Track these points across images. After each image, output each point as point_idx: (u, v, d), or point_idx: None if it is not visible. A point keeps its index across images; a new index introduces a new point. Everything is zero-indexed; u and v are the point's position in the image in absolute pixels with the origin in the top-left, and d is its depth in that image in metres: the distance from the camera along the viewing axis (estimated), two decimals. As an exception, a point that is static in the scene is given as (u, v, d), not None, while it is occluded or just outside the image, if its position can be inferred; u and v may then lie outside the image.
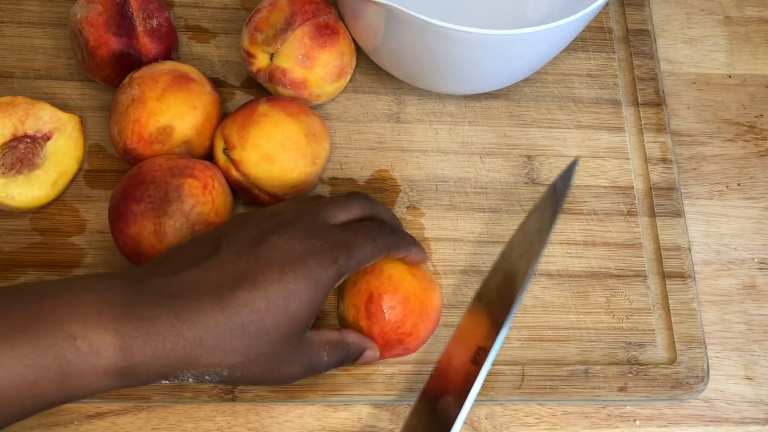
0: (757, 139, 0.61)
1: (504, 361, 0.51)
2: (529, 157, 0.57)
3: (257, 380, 0.41)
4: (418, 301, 0.47)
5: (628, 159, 0.58)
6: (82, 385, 0.36)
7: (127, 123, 0.49)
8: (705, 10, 0.65)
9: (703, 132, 0.61)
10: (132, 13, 0.51)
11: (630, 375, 0.51)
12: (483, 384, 0.49)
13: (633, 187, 0.57)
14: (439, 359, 0.45)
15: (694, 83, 0.62)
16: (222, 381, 0.40)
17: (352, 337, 0.45)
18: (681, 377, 0.51)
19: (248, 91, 0.57)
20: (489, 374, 0.50)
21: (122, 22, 0.51)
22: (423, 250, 0.47)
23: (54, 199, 0.51)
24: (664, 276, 0.54)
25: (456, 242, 0.54)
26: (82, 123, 0.52)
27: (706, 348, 0.52)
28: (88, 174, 0.53)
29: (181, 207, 0.46)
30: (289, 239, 0.40)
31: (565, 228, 0.55)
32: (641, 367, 0.51)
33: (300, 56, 0.52)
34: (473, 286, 0.53)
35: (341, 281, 0.41)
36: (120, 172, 0.53)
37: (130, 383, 0.37)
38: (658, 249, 0.55)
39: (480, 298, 0.46)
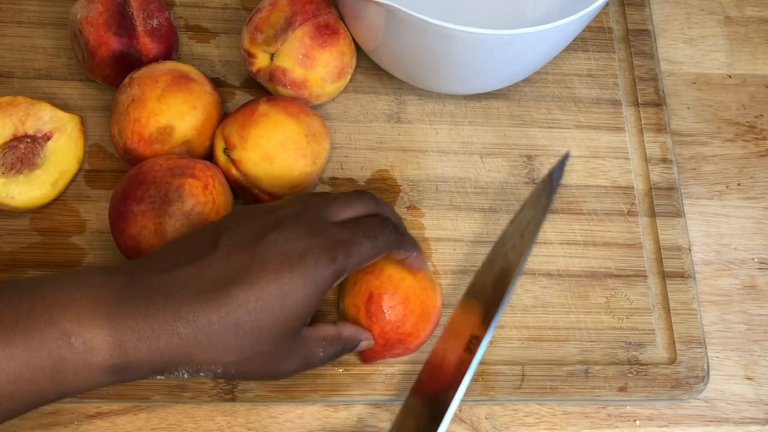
0: (757, 139, 0.61)
1: (504, 361, 0.51)
2: (529, 157, 0.57)
3: (252, 376, 0.41)
4: (418, 301, 0.47)
5: (628, 159, 0.58)
6: (77, 381, 0.36)
7: (128, 123, 0.49)
8: (705, 10, 0.65)
9: (703, 132, 0.61)
10: (132, 13, 0.51)
11: (630, 375, 0.51)
12: (483, 384, 0.49)
13: (633, 187, 0.57)
14: (430, 355, 0.45)
15: (694, 83, 0.62)
16: (217, 376, 0.40)
17: (348, 331, 0.45)
18: (681, 377, 0.51)
19: (248, 91, 0.57)
20: (489, 374, 0.50)
21: (122, 22, 0.51)
22: (423, 256, 0.47)
23: (54, 199, 0.51)
24: (664, 276, 0.54)
25: (456, 242, 0.54)
26: (83, 123, 0.52)
27: (706, 348, 0.52)
28: (88, 174, 0.53)
29: (181, 207, 0.46)
30: (289, 237, 0.40)
31: (565, 228, 0.55)
32: (641, 367, 0.51)
33: (300, 56, 0.52)
34: (473, 286, 0.53)
35: (340, 280, 0.41)
36: (120, 172, 0.53)
37: (125, 379, 0.37)
38: (658, 249, 0.55)
39: (471, 292, 0.46)
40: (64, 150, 0.51)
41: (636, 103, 0.60)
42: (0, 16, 0.57)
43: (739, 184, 0.59)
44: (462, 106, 0.58)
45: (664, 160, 0.58)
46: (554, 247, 0.55)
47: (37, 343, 0.35)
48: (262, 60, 0.53)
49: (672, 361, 0.52)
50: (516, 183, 0.56)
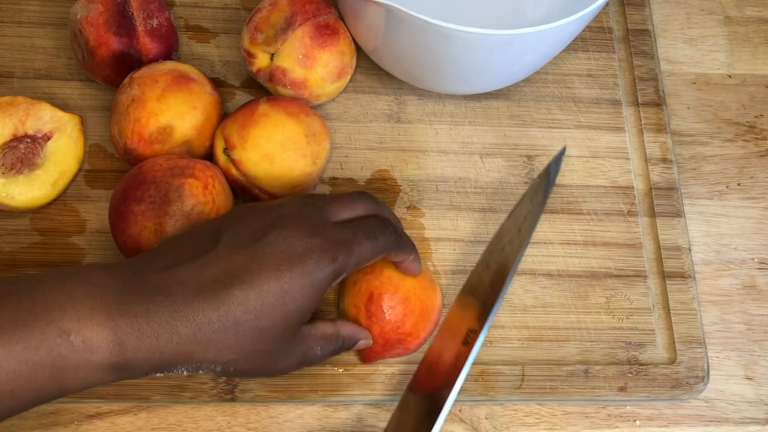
0: (757, 139, 0.61)
1: (504, 361, 0.51)
2: (529, 157, 0.57)
3: (251, 374, 0.41)
4: (418, 301, 0.47)
5: (628, 159, 0.58)
6: (77, 379, 0.36)
7: (128, 123, 0.49)
8: (705, 10, 0.65)
9: (703, 132, 0.61)
10: (132, 13, 0.51)
11: (630, 375, 0.51)
12: (483, 384, 0.49)
13: (633, 187, 0.57)
14: (427, 352, 0.46)
15: (694, 83, 0.62)
16: (216, 374, 0.40)
17: (346, 330, 0.45)
18: (681, 377, 0.51)
19: (248, 91, 0.57)
20: (489, 374, 0.50)
21: (122, 22, 0.51)
22: (420, 260, 0.47)
23: (54, 199, 0.51)
24: (664, 276, 0.54)
25: (456, 242, 0.54)
26: (83, 123, 0.52)
27: (706, 348, 0.52)
28: (88, 174, 0.53)
29: (181, 207, 0.46)
30: (289, 235, 0.39)
31: (565, 228, 0.55)
32: (641, 367, 0.51)
33: (300, 56, 0.52)
34: (473, 286, 0.53)
35: (340, 279, 0.41)
36: (120, 172, 0.53)
37: (125, 377, 0.37)
38: (658, 249, 0.55)
39: (468, 289, 0.47)
40: (64, 150, 0.51)
41: (636, 103, 0.60)
42: (0, 16, 0.57)
43: (739, 184, 0.59)
44: (462, 106, 0.58)
45: (664, 160, 0.58)
46: (554, 247, 0.55)
47: (36, 341, 0.35)
48: (262, 60, 0.53)
49: (672, 361, 0.52)
50: (516, 183, 0.56)
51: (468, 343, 0.44)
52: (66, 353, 0.35)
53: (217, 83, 0.56)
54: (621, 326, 0.53)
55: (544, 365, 0.51)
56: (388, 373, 0.50)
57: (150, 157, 0.49)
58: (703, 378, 0.51)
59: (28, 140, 0.50)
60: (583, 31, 0.60)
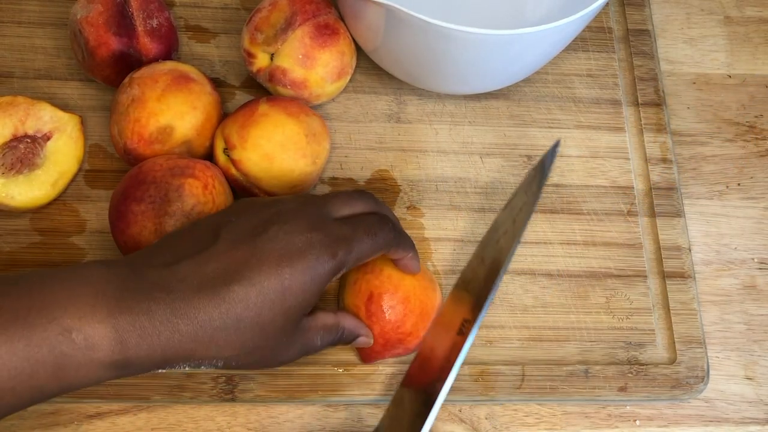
0: (757, 139, 0.61)
1: (504, 361, 0.51)
2: (529, 157, 0.57)
3: (252, 367, 0.42)
4: (418, 300, 0.47)
5: (628, 159, 0.58)
6: (79, 376, 0.36)
7: (128, 123, 0.49)
8: (705, 10, 0.65)
9: (703, 132, 0.61)
10: (132, 13, 0.51)
11: (630, 375, 0.51)
12: (483, 384, 0.49)
13: (633, 187, 0.57)
14: (420, 347, 0.46)
15: (694, 83, 0.62)
16: (217, 368, 0.40)
17: (348, 322, 0.45)
18: (681, 377, 0.51)
19: (248, 91, 0.57)
20: (489, 374, 0.50)
21: (122, 22, 0.51)
22: (418, 258, 0.47)
23: (54, 199, 0.51)
24: (664, 276, 0.54)
25: (456, 242, 0.54)
26: (83, 123, 0.52)
27: (706, 348, 0.52)
28: (88, 174, 0.53)
29: (181, 207, 0.46)
30: (289, 231, 0.39)
31: (565, 228, 0.55)
32: (641, 367, 0.51)
33: (300, 56, 0.52)
34: (473, 286, 0.53)
35: (339, 275, 0.41)
36: (120, 172, 0.53)
37: (126, 374, 0.37)
38: (658, 249, 0.55)
39: (462, 283, 0.47)
40: (64, 150, 0.51)
41: (636, 103, 0.60)
42: (0, 16, 0.57)
43: (739, 184, 0.59)
44: (462, 106, 0.58)
45: (664, 160, 0.58)
46: (554, 247, 0.55)
47: (38, 339, 0.35)
48: (262, 60, 0.53)
49: (672, 361, 0.52)
50: (516, 183, 0.56)
51: (463, 333, 0.44)
52: (68, 351, 0.35)
53: (217, 83, 0.56)
54: (621, 326, 0.53)
55: (544, 365, 0.51)
56: (388, 373, 0.50)
57: (150, 157, 0.49)
58: (703, 378, 0.51)
59: (28, 140, 0.50)
60: (583, 31, 0.60)
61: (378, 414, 0.49)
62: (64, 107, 0.52)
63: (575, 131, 0.59)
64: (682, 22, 0.65)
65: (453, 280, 0.53)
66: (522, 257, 0.54)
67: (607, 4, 0.63)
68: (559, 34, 0.48)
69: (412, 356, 0.50)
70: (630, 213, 0.56)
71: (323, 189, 0.55)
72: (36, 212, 0.51)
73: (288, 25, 0.52)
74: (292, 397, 0.48)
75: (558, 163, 0.57)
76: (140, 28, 0.52)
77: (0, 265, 0.50)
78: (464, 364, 0.50)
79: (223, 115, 0.52)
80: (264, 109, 0.50)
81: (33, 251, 0.51)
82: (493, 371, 0.50)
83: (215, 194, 0.47)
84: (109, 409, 0.48)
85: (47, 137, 0.50)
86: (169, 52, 0.54)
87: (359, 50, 0.56)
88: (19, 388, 0.35)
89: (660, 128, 0.59)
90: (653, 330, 0.53)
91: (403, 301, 0.46)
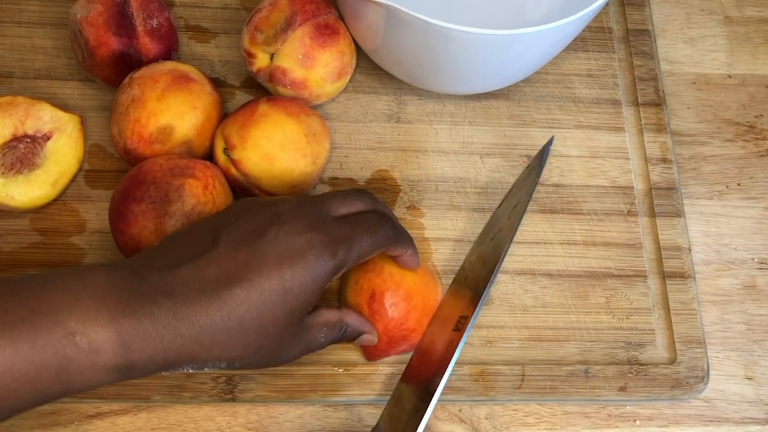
0: (757, 139, 0.61)
1: (504, 361, 0.51)
2: (529, 157, 0.57)
3: (255, 367, 0.42)
4: (420, 296, 0.47)
5: (628, 159, 0.58)
6: (82, 379, 0.36)
7: (128, 123, 0.49)
8: (705, 10, 0.65)
9: (703, 132, 0.61)
10: (132, 13, 0.51)
11: (630, 375, 0.51)
12: (483, 384, 0.49)
13: (633, 187, 0.57)
14: (420, 340, 0.46)
15: (694, 83, 0.62)
16: (221, 369, 0.40)
17: (351, 318, 0.45)
18: (681, 377, 0.51)
19: (248, 91, 0.57)
20: (489, 374, 0.50)
21: (122, 22, 0.51)
22: (417, 254, 0.47)
23: (54, 199, 0.51)
24: (664, 276, 0.54)
25: (456, 242, 0.54)
26: (83, 123, 0.52)
27: (706, 348, 0.52)
28: (88, 174, 0.53)
29: (182, 207, 0.46)
30: (289, 231, 0.39)
31: (565, 228, 0.55)
32: (641, 367, 0.51)
33: (300, 56, 0.52)
34: (473, 286, 0.53)
35: (340, 274, 0.41)
36: (120, 172, 0.53)
37: (130, 377, 0.37)
38: (658, 249, 0.55)
39: (459, 278, 0.48)
40: (64, 150, 0.51)
41: (636, 103, 0.60)
42: (0, 16, 0.57)
43: (739, 184, 0.59)
44: (462, 106, 0.58)
45: (664, 160, 0.58)
46: (554, 247, 0.55)
47: (42, 342, 0.35)
48: (262, 60, 0.53)
49: (672, 361, 0.52)
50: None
51: (459, 329, 0.44)
52: (72, 354, 0.35)
53: (217, 83, 0.56)
54: (621, 326, 0.53)
55: (544, 365, 0.51)
56: (388, 373, 0.50)
57: (150, 157, 0.49)
58: (703, 378, 0.51)
59: (28, 140, 0.50)
60: (583, 31, 0.60)
61: (378, 414, 0.49)
62: (64, 107, 0.52)
63: (575, 131, 0.59)
64: (682, 22, 0.65)
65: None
66: (522, 257, 0.54)
67: (607, 4, 0.63)
68: (559, 34, 0.48)
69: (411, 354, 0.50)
70: (630, 213, 0.56)
71: (323, 189, 0.55)
72: (36, 212, 0.51)
73: (288, 25, 0.52)
74: (292, 397, 0.48)
75: (558, 163, 0.57)
76: (140, 28, 0.52)
77: (0, 265, 0.50)
78: (464, 363, 0.50)
79: (223, 115, 0.52)
80: (264, 109, 0.50)
81: (33, 251, 0.51)
82: (493, 371, 0.50)
83: (215, 194, 0.47)
84: (109, 409, 0.48)
85: (47, 137, 0.50)
86: (169, 52, 0.54)
87: (359, 50, 0.56)
88: (23, 391, 0.35)
89: (660, 128, 0.59)
90: (653, 330, 0.53)
91: (406, 298, 0.47)
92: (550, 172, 0.57)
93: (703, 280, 0.55)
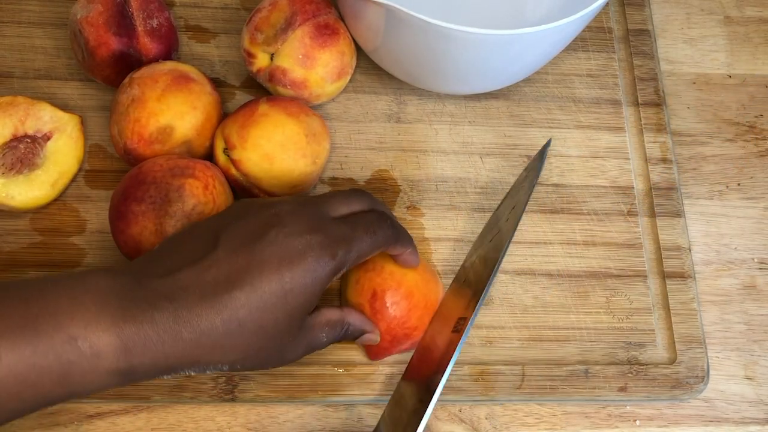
0: (757, 139, 0.61)
1: (504, 361, 0.51)
2: (529, 157, 0.57)
3: (258, 368, 0.42)
4: (421, 294, 0.47)
5: (628, 159, 0.58)
6: (84, 384, 0.36)
7: (128, 123, 0.49)
8: (705, 10, 0.65)
9: (703, 132, 0.61)
10: (132, 13, 0.51)
11: (630, 375, 0.51)
12: (483, 384, 0.49)
13: (633, 187, 0.57)
14: (420, 340, 0.46)
15: (694, 83, 0.62)
16: (223, 371, 0.40)
17: (353, 317, 0.45)
18: (681, 377, 0.51)
19: (248, 91, 0.57)
20: (489, 374, 0.50)
21: (122, 22, 0.51)
22: (417, 253, 0.47)
23: (54, 199, 0.51)
24: (664, 276, 0.54)
25: (456, 242, 0.54)
26: (83, 123, 0.52)
27: (706, 348, 0.52)
28: (88, 174, 0.53)
29: (182, 207, 0.46)
30: (289, 233, 0.39)
31: (565, 228, 0.55)
32: (641, 367, 0.51)
33: (300, 56, 0.52)
34: (473, 286, 0.53)
35: (340, 274, 0.41)
36: (120, 172, 0.53)
37: (131, 381, 0.37)
38: (658, 249, 0.55)
39: (460, 277, 0.48)
40: (64, 150, 0.51)
41: (636, 103, 0.60)
42: (0, 16, 0.57)
43: (739, 184, 0.59)
44: (462, 106, 0.58)
45: (664, 160, 0.58)
46: (554, 247, 0.55)
47: (45, 346, 0.35)
48: (262, 60, 0.53)
49: (672, 361, 0.52)
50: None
51: (458, 330, 0.44)
52: (74, 359, 0.35)
53: (217, 83, 0.56)
54: (621, 326, 0.53)
55: (544, 365, 0.51)
56: (388, 373, 0.50)
57: (150, 157, 0.49)
58: (703, 378, 0.51)
59: (28, 140, 0.50)
60: (583, 31, 0.60)
61: (378, 414, 0.49)
62: (64, 107, 0.52)
63: (575, 131, 0.59)
64: (682, 22, 0.65)
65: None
66: (522, 257, 0.54)
67: (607, 4, 0.63)
68: (559, 34, 0.48)
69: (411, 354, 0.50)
70: (630, 213, 0.56)
71: (323, 189, 0.55)
72: (36, 212, 0.51)
73: (288, 25, 0.52)
74: (292, 397, 0.48)
75: (558, 163, 0.57)
76: (140, 28, 0.52)
77: (0, 265, 0.50)
78: (464, 363, 0.50)
79: (223, 115, 0.52)
80: (264, 109, 0.50)
81: (33, 251, 0.51)
82: (493, 371, 0.50)
83: (216, 194, 0.47)
84: (109, 409, 0.48)
85: (47, 137, 0.50)
86: (169, 52, 0.54)
87: (359, 50, 0.56)
88: (25, 394, 0.35)
89: (660, 128, 0.59)
90: (653, 330, 0.53)
91: (407, 296, 0.47)
92: (550, 172, 0.57)
93: (703, 280, 0.55)
